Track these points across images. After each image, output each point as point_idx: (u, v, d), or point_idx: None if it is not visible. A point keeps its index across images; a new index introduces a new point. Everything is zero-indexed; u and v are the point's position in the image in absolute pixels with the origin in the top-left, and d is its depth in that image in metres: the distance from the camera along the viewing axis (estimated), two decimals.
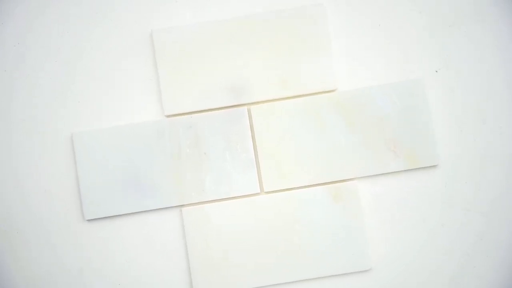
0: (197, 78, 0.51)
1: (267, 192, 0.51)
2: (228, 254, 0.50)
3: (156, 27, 0.52)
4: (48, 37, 0.52)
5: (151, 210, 0.51)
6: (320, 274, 0.50)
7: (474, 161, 0.51)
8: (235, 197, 0.51)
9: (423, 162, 0.51)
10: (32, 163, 0.51)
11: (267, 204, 0.51)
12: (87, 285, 0.51)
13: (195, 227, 0.50)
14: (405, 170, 0.51)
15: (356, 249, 0.50)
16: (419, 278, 0.51)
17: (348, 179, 0.51)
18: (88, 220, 0.51)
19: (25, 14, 0.52)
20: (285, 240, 0.50)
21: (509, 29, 0.52)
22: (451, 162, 0.51)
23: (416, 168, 0.51)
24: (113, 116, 0.52)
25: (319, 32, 0.51)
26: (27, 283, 0.51)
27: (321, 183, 0.51)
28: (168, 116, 0.51)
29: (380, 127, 0.51)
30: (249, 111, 0.51)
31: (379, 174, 0.51)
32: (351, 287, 0.50)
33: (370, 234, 0.51)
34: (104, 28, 0.52)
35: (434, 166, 0.51)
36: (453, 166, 0.51)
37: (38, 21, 0.52)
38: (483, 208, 0.51)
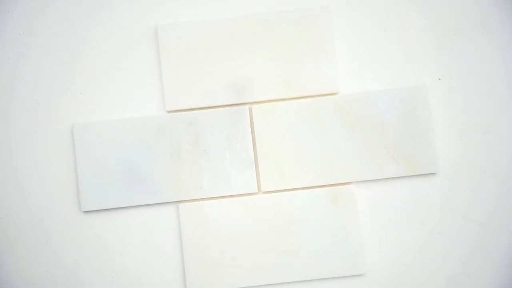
0: (200, 75, 0.51)
1: (264, 192, 0.51)
2: (223, 251, 0.50)
3: (161, 23, 0.52)
4: (52, 29, 0.52)
5: (148, 205, 0.51)
6: (313, 276, 0.50)
7: (473, 170, 0.51)
8: (232, 195, 0.51)
9: (421, 169, 0.51)
10: (31, 152, 0.51)
11: (264, 204, 0.51)
12: (80, 276, 0.51)
13: (191, 223, 0.50)
14: (403, 176, 0.51)
15: (351, 253, 0.50)
16: (413, 285, 0.50)
17: (346, 183, 0.51)
18: (85, 212, 0.51)
19: (29, 4, 0.53)
20: (280, 240, 0.50)
21: None
22: (450, 170, 0.51)
23: (415, 175, 0.51)
24: (114, 109, 0.52)
25: (324, 34, 0.51)
26: (20, 269, 0.51)
27: (319, 186, 0.51)
28: (170, 111, 0.52)
29: (381, 132, 0.51)
30: (250, 110, 0.51)
31: (377, 179, 0.51)
32: None
33: (366, 239, 0.51)
34: (109, 21, 0.53)
35: (432, 174, 0.51)
36: (451, 175, 0.51)
37: (42, 12, 0.53)
38: (480, 217, 0.51)
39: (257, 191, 0.51)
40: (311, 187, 0.51)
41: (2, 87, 0.52)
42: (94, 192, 0.50)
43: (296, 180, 0.51)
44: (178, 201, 0.51)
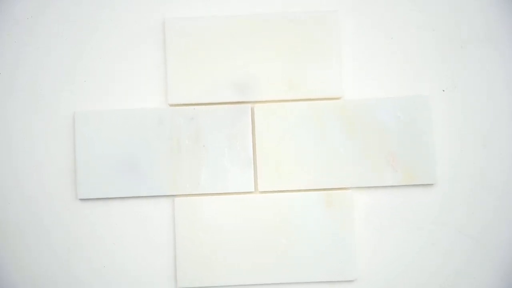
0: (205, 71, 0.51)
1: (261, 191, 0.51)
2: (216, 248, 0.50)
3: (169, 16, 0.52)
4: (60, 15, 0.53)
5: (144, 197, 0.51)
6: (304, 279, 0.50)
7: (470, 183, 0.51)
8: (229, 193, 0.51)
9: (420, 179, 0.50)
10: (31, 138, 0.52)
11: (260, 204, 0.51)
12: (72, 263, 0.51)
13: (186, 218, 0.50)
14: (401, 185, 0.51)
15: (343, 258, 0.50)
16: None
17: (343, 188, 0.51)
18: (81, 200, 0.51)
19: None
20: (273, 241, 0.50)
21: None
22: (448, 182, 0.51)
23: (413, 185, 0.51)
24: (117, 99, 0.52)
25: (331, 38, 0.51)
26: (11, 252, 0.51)
27: (316, 189, 0.51)
28: (172, 105, 0.52)
29: (381, 139, 0.51)
30: (252, 109, 0.51)
31: (375, 186, 0.51)
32: None
33: (359, 245, 0.51)
34: (118, 11, 0.53)
35: (430, 185, 0.51)
36: (449, 187, 0.51)
37: None
38: (475, 231, 0.51)
39: (253, 190, 0.51)
40: (308, 189, 0.51)
41: (5, 71, 0.52)
42: (91, 181, 0.51)
43: (294, 182, 0.51)
44: (174, 195, 0.51)
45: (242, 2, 0.53)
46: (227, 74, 0.51)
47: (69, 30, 0.52)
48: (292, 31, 0.51)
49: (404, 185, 0.51)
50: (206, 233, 0.50)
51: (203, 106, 0.51)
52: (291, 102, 0.51)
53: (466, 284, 0.50)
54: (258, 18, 0.52)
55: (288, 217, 0.50)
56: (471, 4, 0.52)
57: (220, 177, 0.51)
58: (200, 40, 0.52)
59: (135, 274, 0.51)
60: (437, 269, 0.50)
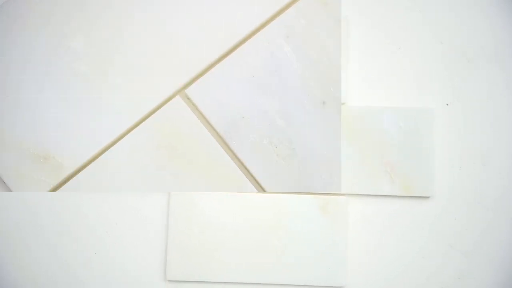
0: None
1: (258, 191, 0.51)
2: (207, 244, 0.50)
3: None
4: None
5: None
6: (293, 281, 0.50)
7: (467, 199, 0.51)
8: (225, 190, 0.51)
9: (416, 191, 0.50)
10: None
11: (255, 204, 0.51)
12: (64, 248, 0.51)
13: (180, 211, 0.50)
14: (397, 196, 0.51)
15: (333, 264, 0.50)
16: None
17: (339, 194, 0.51)
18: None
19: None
20: (265, 241, 0.50)
21: None
22: (444, 196, 0.51)
23: (409, 196, 0.51)
24: None
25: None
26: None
27: (312, 192, 0.51)
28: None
29: (381, 148, 0.51)
30: None
31: (371, 195, 0.51)
32: None
33: (350, 252, 0.51)
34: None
35: (426, 197, 0.51)
36: (445, 201, 0.51)
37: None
38: (467, 247, 0.51)
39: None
40: (304, 192, 0.51)
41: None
42: None
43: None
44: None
45: None
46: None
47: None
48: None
49: (401, 196, 0.51)
50: (199, 227, 0.50)
51: None
52: None
53: None
54: None
55: (282, 218, 0.50)
56: (481, 21, 0.52)
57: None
58: None
59: (125, 264, 0.51)
60: (426, 282, 0.50)
